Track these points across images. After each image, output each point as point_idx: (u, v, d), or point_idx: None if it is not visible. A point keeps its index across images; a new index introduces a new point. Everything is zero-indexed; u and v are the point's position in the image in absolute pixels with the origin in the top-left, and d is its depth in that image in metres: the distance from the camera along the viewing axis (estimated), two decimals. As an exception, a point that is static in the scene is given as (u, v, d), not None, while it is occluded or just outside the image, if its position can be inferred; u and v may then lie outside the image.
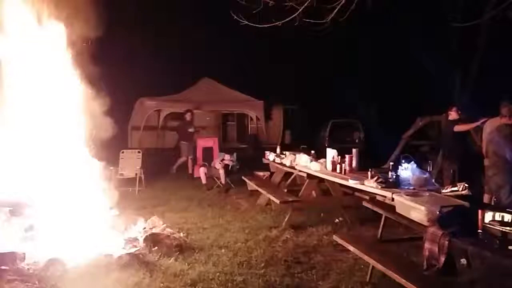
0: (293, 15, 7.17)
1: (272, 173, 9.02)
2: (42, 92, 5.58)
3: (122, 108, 16.57)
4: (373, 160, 7.71)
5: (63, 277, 4.36)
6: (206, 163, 10.15)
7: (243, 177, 8.99)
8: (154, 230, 5.76)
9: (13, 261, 4.50)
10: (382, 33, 16.30)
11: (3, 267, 4.38)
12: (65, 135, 5.67)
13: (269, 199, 7.39)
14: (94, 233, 5.29)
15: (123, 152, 9.83)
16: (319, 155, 7.27)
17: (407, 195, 4.31)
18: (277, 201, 6.64)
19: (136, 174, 9.47)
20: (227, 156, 10.10)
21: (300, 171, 7.18)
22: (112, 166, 8.67)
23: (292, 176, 7.99)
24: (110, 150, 6.72)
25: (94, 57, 5.86)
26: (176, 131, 12.77)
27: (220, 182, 9.58)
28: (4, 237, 5.02)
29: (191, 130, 11.85)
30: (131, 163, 9.69)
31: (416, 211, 3.92)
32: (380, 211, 4.65)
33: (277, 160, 8.21)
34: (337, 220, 6.71)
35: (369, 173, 5.34)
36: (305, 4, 7.01)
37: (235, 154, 10.33)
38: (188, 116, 12.23)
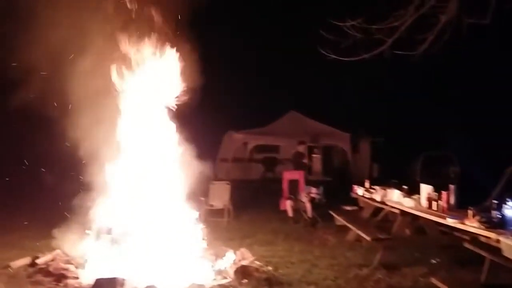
0: (382, 48, 7.09)
1: (360, 208, 8.77)
2: (144, 129, 6.02)
3: (211, 139, 17.36)
4: (471, 196, 7.19)
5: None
6: (292, 196, 10.14)
7: (330, 211, 8.83)
8: (243, 263, 5.84)
9: (115, 287, 4.79)
10: (476, 59, 15.42)
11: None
12: (161, 168, 6.02)
13: (359, 235, 7.17)
14: (187, 263, 5.49)
15: (212, 184, 10.16)
16: (412, 190, 6.95)
17: (515, 237, 3.97)
18: (368, 238, 6.41)
19: (224, 205, 9.72)
20: (313, 189, 10.02)
21: (392, 207, 6.90)
22: (201, 197, 9.01)
23: (383, 212, 7.70)
24: (200, 181, 6.97)
25: (187, 91, 6.21)
26: (291, 161, 12.94)
27: (307, 216, 9.49)
28: (105, 263, 5.38)
29: (305, 161, 12.04)
30: (220, 194, 9.97)
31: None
32: (483, 253, 4.32)
33: (367, 194, 7.99)
34: (433, 260, 6.30)
35: (469, 211, 4.99)
36: (395, 36, 6.92)
37: (321, 188, 10.22)
38: (301, 148, 12.44)
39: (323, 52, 7.71)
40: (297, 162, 11.90)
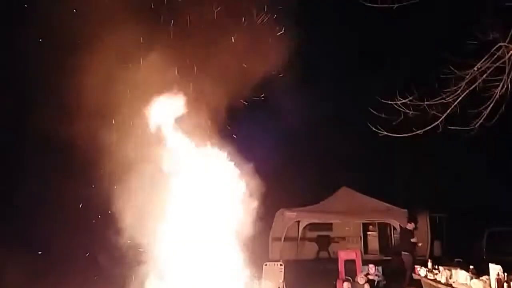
0: (435, 124, 7.06)
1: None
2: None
3: (264, 218, 17.25)
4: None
5: None
6: (349, 278, 9.72)
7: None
8: None
9: None
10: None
11: None
12: (215, 250, 6.05)
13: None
14: None
15: (266, 265, 9.97)
16: (478, 270, 6.51)
17: None
18: (435, 324, 5.96)
19: (278, 287, 9.43)
20: (371, 269, 9.58)
21: (459, 289, 6.45)
22: (255, 278, 8.82)
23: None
24: (254, 261, 6.89)
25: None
26: (400, 240, 12.53)
27: (366, 298, 9.00)
28: None
29: (413, 240, 11.41)
30: (274, 276, 9.73)
31: None
32: None
33: (430, 275, 7.53)
34: None
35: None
36: (447, 112, 6.89)
37: (380, 268, 9.75)
38: (410, 226, 11.92)
39: (375, 129, 7.78)
40: (404, 243, 11.37)
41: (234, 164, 6.41)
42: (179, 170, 6.26)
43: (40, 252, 11.77)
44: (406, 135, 7.56)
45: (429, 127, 7.27)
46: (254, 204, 6.36)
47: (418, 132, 7.50)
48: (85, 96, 6.21)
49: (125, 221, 5.82)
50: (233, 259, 6.13)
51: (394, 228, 17.86)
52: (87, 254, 10.12)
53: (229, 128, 6.39)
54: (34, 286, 10.43)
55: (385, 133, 7.69)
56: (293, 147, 19.21)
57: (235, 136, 6.32)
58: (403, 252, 10.91)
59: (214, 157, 6.40)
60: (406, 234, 11.30)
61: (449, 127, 6.90)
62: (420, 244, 11.00)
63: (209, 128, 6.39)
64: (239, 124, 6.38)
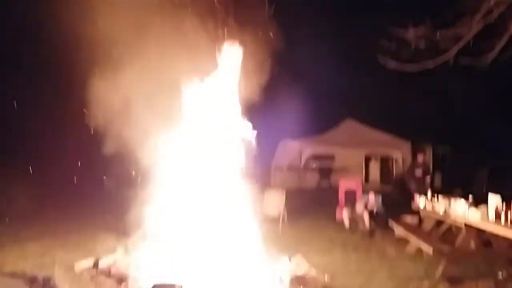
0: (446, 56, 6.83)
1: (421, 219, 8.42)
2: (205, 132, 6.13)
3: (265, 148, 17.41)
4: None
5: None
6: (349, 205, 9.93)
7: (389, 222, 8.53)
8: (298, 271, 5.77)
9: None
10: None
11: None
12: (219, 176, 6.09)
13: (419, 247, 6.88)
14: (243, 270, 5.50)
15: (267, 192, 10.17)
16: (477, 201, 6.58)
17: None
18: (430, 250, 6.13)
19: (279, 213, 9.68)
20: (371, 198, 9.74)
21: (456, 218, 6.56)
22: (256, 204, 9.01)
23: (446, 224, 7.34)
24: (253, 189, 6.98)
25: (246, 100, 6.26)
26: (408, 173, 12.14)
27: (364, 226, 9.23)
28: (163, 268, 5.50)
29: (418, 173, 10.99)
30: (275, 202, 9.95)
31: None
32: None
33: (429, 205, 7.65)
34: (500, 275, 5.91)
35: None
36: (460, 44, 6.64)
37: (380, 197, 9.92)
38: (420, 157, 11.56)
39: (384, 60, 7.56)
40: (410, 176, 11.23)
41: (239, 93, 6.27)
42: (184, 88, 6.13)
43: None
44: (416, 67, 7.36)
45: (440, 59, 7.05)
46: (257, 132, 6.30)
47: (428, 64, 7.30)
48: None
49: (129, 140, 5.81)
50: (235, 185, 6.16)
51: (396, 160, 18.04)
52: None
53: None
54: (38, 207, 10.82)
55: (395, 65, 7.49)
56: (299, 78, 18.94)
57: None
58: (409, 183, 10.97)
59: (220, 83, 6.25)
60: (415, 167, 11.22)
61: (461, 59, 6.67)
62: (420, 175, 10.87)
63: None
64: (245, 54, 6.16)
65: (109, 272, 5.67)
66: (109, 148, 5.90)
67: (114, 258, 6.09)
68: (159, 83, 5.86)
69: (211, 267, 5.40)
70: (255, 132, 6.26)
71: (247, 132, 6.20)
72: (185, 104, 6.08)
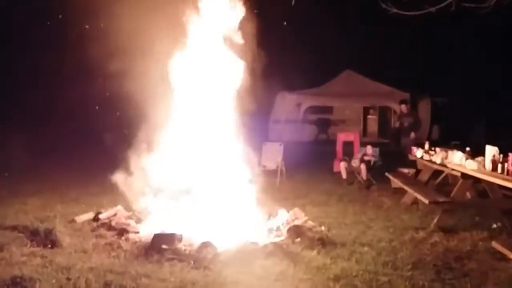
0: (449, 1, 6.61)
1: (418, 171, 8.48)
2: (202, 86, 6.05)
3: (264, 101, 17.28)
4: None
5: (214, 260, 4.69)
6: (346, 158, 9.97)
7: (386, 174, 8.60)
8: (296, 222, 5.87)
9: (172, 242, 4.99)
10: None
11: (163, 246, 4.88)
12: (218, 130, 6.07)
13: (415, 198, 6.97)
14: (241, 221, 5.59)
15: (265, 145, 10.19)
16: (474, 152, 6.60)
17: None
18: (426, 201, 6.20)
19: (277, 166, 9.74)
20: (369, 150, 9.76)
21: (453, 169, 6.60)
22: (254, 157, 9.04)
23: (443, 175, 7.39)
24: (252, 142, 7.00)
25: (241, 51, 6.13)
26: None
27: (361, 178, 9.32)
28: (165, 218, 5.60)
29: (396, 125, 11.24)
30: (273, 155, 9.99)
31: None
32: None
33: (426, 157, 7.67)
34: (495, 225, 6.02)
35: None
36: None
37: (377, 149, 9.94)
38: (403, 108, 11.61)
39: (385, 6, 7.31)
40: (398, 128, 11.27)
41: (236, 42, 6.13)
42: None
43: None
44: (418, 13, 7.13)
45: (443, 4, 6.82)
46: (256, 84, 6.21)
47: (430, 9, 7.06)
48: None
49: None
50: (233, 137, 6.16)
51: (395, 112, 17.96)
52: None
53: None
54: (37, 162, 10.86)
55: (396, 11, 7.25)
56: (297, 28, 18.48)
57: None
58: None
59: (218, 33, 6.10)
60: (402, 117, 11.31)
61: (463, 3, 6.44)
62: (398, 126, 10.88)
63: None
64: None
65: (110, 224, 5.76)
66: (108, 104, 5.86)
67: (114, 211, 6.18)
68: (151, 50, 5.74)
69: (210, 218, 5.49)
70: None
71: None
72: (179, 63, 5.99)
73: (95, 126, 12.79)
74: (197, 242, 5.03)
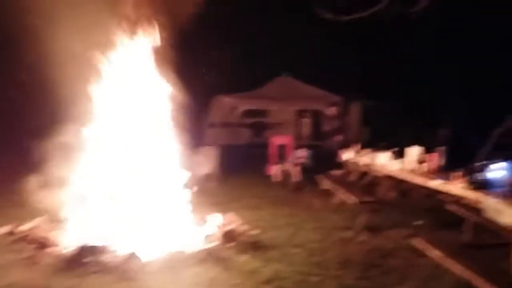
0: (380, 5, 6.92)
1: (348, 172, 8.77)
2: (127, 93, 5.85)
3: (200, 105, 17.14)
4: (460, 159, 7.20)
5: (142, 270, 4.54)
6: (280, 161, 10.11)
7: (317, 176, 8.81)
8: (229, 227, 5.83)
9: (97, 254, 4.76)
10: (475, 22, 15.07)
11: (88, 259, 4.65)
12: (148, 135, 5.90)
13: (344, 199, 7.19)
14: (171, 228, 5.46)
15: (200, 149, 10.08)
16: (401, 153, 6.93)
17: (499, 198, 3.97)
18: (353, 201, 6.42)
19: (212, 170, 9.66)
20: (301, 153, 9.97)
21: (379, 170, 6.89)
22: (189, 162, 8.90)
23: (370, 176, 7.70)
24: (188, 146, 6.90)
25: (171, 56, 6.02)
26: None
27: (294, 180, 9.48)
28: (89, 230, 5.33)
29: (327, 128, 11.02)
30: (208, 159, 9.90)
31: (510, 216, 3.59)
32: (467, 214, 4.33)
33: (354, 158, 7.96)
34: (416, 223, 6.35)
35: (456, 173, 4.99)
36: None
37: (309, 152, 10.16)
38: (332, 111, 11.36)
39: (320, 11, 7.52)
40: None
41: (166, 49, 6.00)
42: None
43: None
44: (350, 17, 7.41)
45: (374, 8, 7.14)
46: (190, 89, 6.13)
47: (363, 14, 7.36)
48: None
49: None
50: (168, 143, 6.02)
51: (327, 115, 18.48)
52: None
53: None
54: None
55: (331, 16, 7.48)
56: (231, 31, 18.56)
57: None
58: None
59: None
60: (330, 119, 11.43)
61: (393, 10, 6.79)
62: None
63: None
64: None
65: (29, 237, 5.40)
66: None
67: (34, 223, 5.80)
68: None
69: (139, 226, 5.31)
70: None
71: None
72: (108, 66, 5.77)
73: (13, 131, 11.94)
74: (124, 253, 4.84)
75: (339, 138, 10.72)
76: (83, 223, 5.41)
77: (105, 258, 4.75)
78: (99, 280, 4.32)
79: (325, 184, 8.30)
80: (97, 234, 5.17)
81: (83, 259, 4.64)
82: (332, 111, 11.27)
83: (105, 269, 4.50)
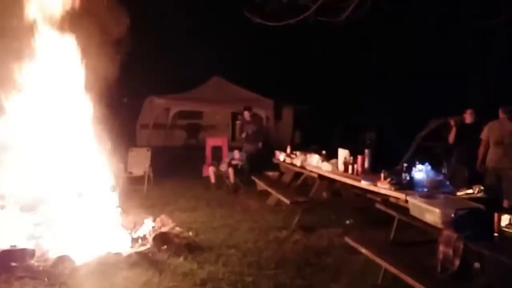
0: (306, 13, 7.15)
1: (282, 173, 8.94)
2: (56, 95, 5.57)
3: (131, 106, 16.66)
4: (386, 161, 7.59)
5: (72, 275, 4.34)
6: (215, 162, 10.09)
7: (252, 177, 8.91)
8: (163, 229, 5.74)
9: (23, 258, 4.50)
10: (398, 32, 16.00)
11: (13, 264, 4.37)
12: (76, 135, 5.66)
13: (279, 199, 7.33)
14: (103, 231, 5.27)
15: (132, 150, 9.82)
16: (331, 155, 7.18)
17: (421, 197, 4.24)
18: (287, 202, 6.56)
19: (144, 172, 9.44)
20: (236, 155, 10.01)
21: (311, 171, 7.09)
22: (120, 164, 8.64)
23: (303, 177, 7.90)
24: (119, 148, 6.71)
25: (104, 56, 5.82)
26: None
27: (229, 182, 9.50)
28: (14, 233, 5.01)
29: (243, 135, 10.33)
30: (140, 161, 9.66)
31: (431, 214, 3.85)
32: (393, 213, 4.57)
33: (288, 160, 8.14)
34: (348, 221, 6.62)
35: (382, 174, 5.26)
36: (319, 2, 6.99)
37: (244, 154, 10.24)
38: (246, 115, 10.59)
39: (249, 15, 7.61)
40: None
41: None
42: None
43: None
44: (278, 23, 7.57)
45: (301, 16, 7.35)
46: (121, 90, 5.94)
47: (290, 21, 7.55)
48: None
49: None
50: (99, 145, 5.79)
51: (261, 118, 18.71)
52: None
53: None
54: None
55: (259, 21, 7.60)
56: (164, 34, 18.28)
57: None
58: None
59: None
60: (245, 124, 10.85)
61: (319, 18, 7.04)
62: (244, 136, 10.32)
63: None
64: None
65: None
66: None
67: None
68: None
69: (68, 230, 5.07)
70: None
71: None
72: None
73: None
74: (52, 257, 4.60)
75: (258, 145, 10.26)
76: (10, 227, 5.06)
77: (33, 262, 4.49)
78: (25, 286, 4.06)
79: (261, 185, 8.41)
80: (25, 238, 4.88)
81: (9, 264, 4.34)
82: (245, 115, 10.47)
83: (33, 274, 4.25)
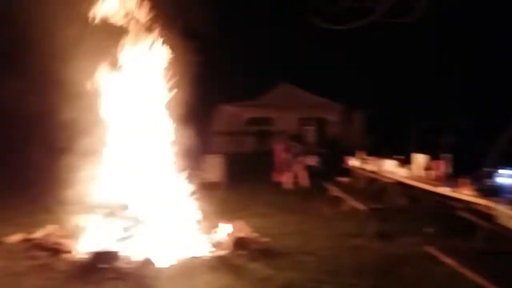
0: (372, 16, 7.01)
1: (355, 179, 8.80)
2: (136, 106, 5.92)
3: (205, 114, 17.20)
4: (466, 166, 7.21)
5: (156, 277, 4.56)
6: (286, 168, 10.14)
7: (324, 183, 8.83)
8: (239, 234, 5.86)
9: (112, 260, 4.79)
10: (474, 31, 15.19)
11: (103, 265, 4.68)
12: (156, 144, 5.96)
13: (353, 205, 7.21)
14: (183, 236, 5.49)
15: (207, 157, 10.14)
16: (406, 160, 6.97)
17: (509, 204, 4.00)
18: (362, 208, 6.44)
19: (219, 178, 9.71)
20: (308, 160, 10.00)
21: (386, 177, 6.91)
22: (196, 171, 8.94)
23: (377, 183, 7.72)
24: (195, 155, 6.94)
25: (177, 66, 6.08)
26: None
27: (302, 188, 9.50)
28: (103, 237, 5.36)
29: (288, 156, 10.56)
30: (214, 167, 9.96)
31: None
32: (478, 221, 4.35)
33: (361, 165, 7.99)
34: (427, 229, 6.36)
35: (463, 180, 5.01)
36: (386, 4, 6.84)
37: (315, 158, 10.20)
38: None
39: (313, 21, 7.61)
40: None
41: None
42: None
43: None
44: (343, 27, 7.49)
45: (366, 19, 7.23)
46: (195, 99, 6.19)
47: (355, 25, 7.46)
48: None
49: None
50: (175, 153, 6.07)
51: (330, 122, 18.56)
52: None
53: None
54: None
55: (326, 25, 7.57)
56: (233, 42, 18.67)
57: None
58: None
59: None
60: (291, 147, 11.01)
61: (385, 19, 6.89)
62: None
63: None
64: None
65: (44, 244, 5.43)
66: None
67: (48, 230, 5.84)
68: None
69: (150, 234, 5.34)
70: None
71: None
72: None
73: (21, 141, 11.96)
74: (136, 260, 4.87)
75: (305, 161, 10.37)
76: (97, 231, 5.44)
77: (120, 264, 4.77)
78: (114, 286, 4.33)
79: (334, 190, 8.32)
80: (110, 241, 5.21)
81: (99, 266, 4.66)
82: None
83: (122, 276, 4.52)
